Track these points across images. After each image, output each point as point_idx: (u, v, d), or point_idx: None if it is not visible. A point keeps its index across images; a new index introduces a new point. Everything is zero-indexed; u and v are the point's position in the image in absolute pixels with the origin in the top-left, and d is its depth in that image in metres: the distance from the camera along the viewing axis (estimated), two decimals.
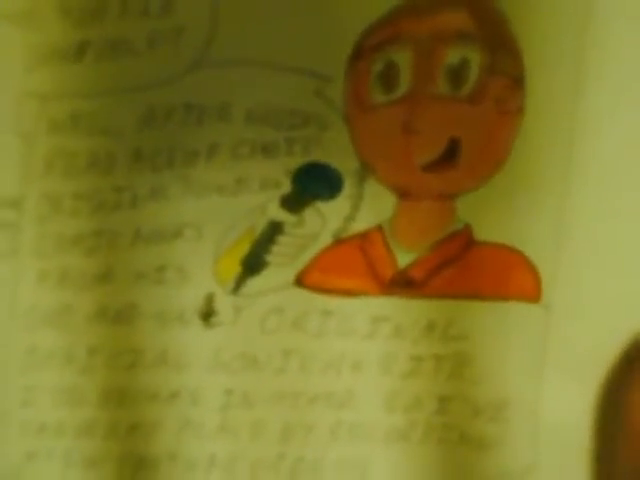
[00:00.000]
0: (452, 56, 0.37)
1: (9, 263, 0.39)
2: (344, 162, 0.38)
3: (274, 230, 0.39)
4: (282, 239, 0.39)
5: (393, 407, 0.40)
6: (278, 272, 0.39)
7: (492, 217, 0.39)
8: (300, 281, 0.39)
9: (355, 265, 0.39)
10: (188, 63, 0.37)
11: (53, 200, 0.38)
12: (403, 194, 0.39)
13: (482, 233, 0.39)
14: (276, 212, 0.39)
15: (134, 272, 0.39)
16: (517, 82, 0.37)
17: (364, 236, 0.39)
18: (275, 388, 0.40)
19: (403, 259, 0.39)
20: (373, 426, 0.40)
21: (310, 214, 0.39)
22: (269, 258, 0.39)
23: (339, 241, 0.39)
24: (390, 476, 0.41)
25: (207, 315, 0.40)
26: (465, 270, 0.39)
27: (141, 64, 0.37)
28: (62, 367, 0.39)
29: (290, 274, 0.39)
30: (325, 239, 0.39)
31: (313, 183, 0.38)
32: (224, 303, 0.40)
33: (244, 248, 0.39)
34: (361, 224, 0.38)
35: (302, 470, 0.41)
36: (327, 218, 0.39)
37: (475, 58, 0.37)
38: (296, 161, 0.38)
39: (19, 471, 0.40)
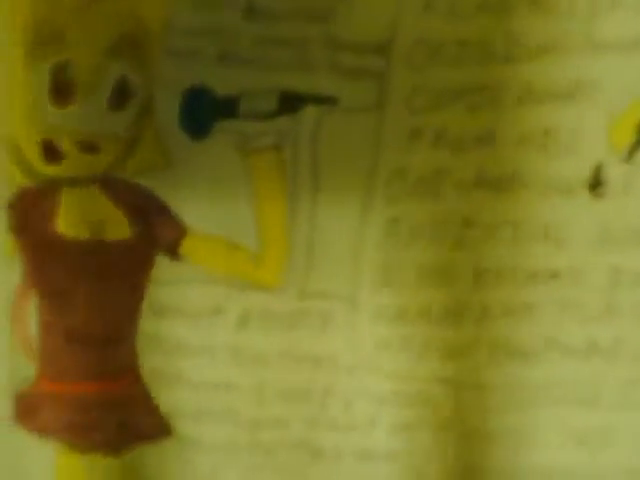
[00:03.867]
0: None
1: (374, 116, 0.36)
2: None
3: None
4: None
5: None
6: None
7: None
8: None
9: None
10: None
11: (431, 47, 0.35)
12: None
13: None
14: None
15: (518, 135, 0.36)
16: None
17: None
18: None
19: None
20: None
21: None
22: None
23: None
24: None
25: (594, 185, 0.37)
26: None
27: None
28: (430, 242, 0.37)
29: None
30: None
31: None
32: (615, 173, 0.37)
33: None
34: None
35: None
36: None
37: None
38: None
39: (370, 357, 0.39)
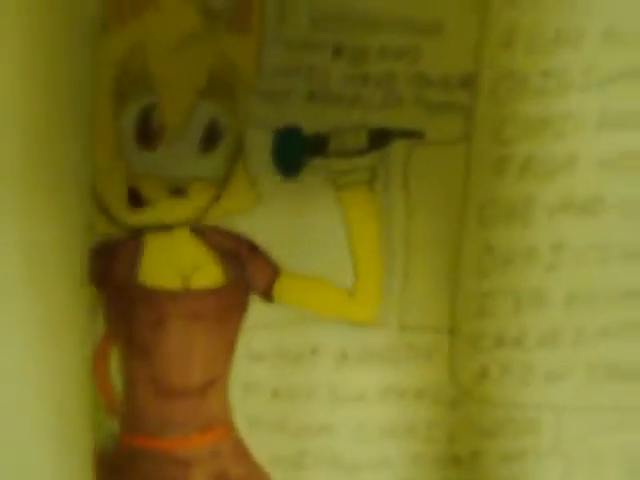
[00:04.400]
0: None
1: (462, 148, 0.37)
2: None
3: None
4: None
5: None
6: None
7: None
8: None
9: None
10: None
11: (514, 79, 0.37)
12: None
13: None
14: None
15: (600, 159, 0.38)
16: None
17: None
18: None
19: None
20: None
21: None
22: None
23: None
24: None
25: None
26: None
27: None
28: (524, 267, 0.38)
29: None
30: None
31: None
32: None
33: None
34: None
35: None
36: None
37: None
38: None
39: (472, 388, 0.39)
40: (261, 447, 0.39)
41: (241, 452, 0.39)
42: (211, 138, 0.37)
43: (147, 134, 0.36)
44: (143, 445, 0.39)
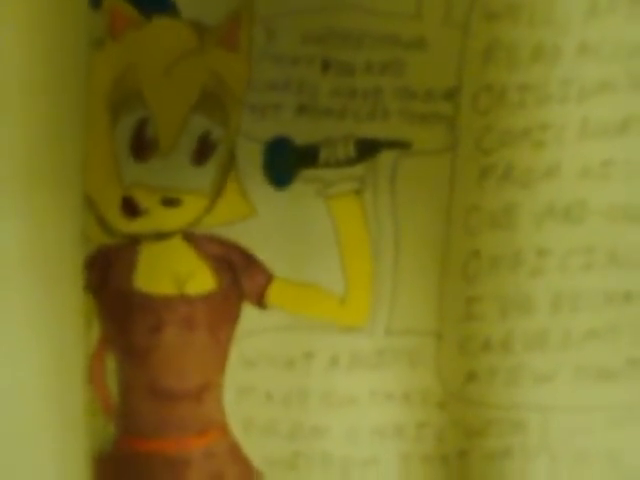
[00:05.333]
0: None
1: (447, 157, 0.38)
2: None
3: None
4: None
5: None
6: None
7: None
8: None
9: None
10: None
11: (495, 92, 0.38)
12: None
13: None
14: None
15: (580, 167, 0.39)
16: None
17: None
18: None
19: None
20: None
21: None
22: None
23: None
24: None
25: None
26: None
27: None
28: (510, 272, 0.39)
29: None
30: None
31: None
32: None
33: None
34: None
35: None
36: None
37: None
38: None
39: (460, 390, 0.40)
40: (256, 449, 0.40)
41: (236, 454, 0.40)
42: (203, 150, 0.38)
43: (141, 146, 0.38)
44: (140, 447, 0.40)
